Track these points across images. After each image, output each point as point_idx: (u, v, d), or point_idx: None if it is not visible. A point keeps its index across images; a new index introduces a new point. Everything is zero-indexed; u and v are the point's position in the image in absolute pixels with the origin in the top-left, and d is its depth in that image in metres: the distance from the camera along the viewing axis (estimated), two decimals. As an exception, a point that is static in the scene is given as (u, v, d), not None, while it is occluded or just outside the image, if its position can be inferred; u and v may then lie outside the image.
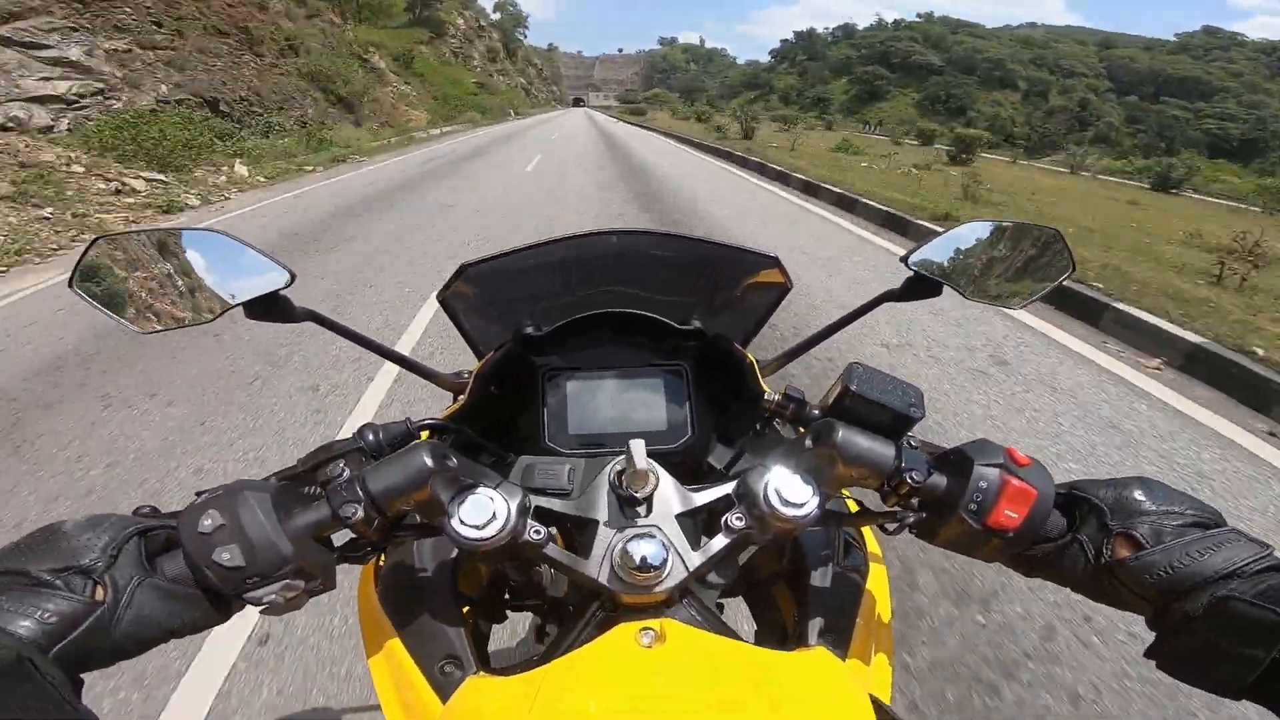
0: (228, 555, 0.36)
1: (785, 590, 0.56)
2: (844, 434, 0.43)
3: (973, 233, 0.67)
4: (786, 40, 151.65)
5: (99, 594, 0.34)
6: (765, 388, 0.65)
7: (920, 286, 0.65)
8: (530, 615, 0.72)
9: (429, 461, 0.41)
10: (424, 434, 0.57)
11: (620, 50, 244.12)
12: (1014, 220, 0.69)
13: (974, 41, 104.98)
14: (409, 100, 27.20)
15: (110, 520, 0.37)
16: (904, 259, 0.65)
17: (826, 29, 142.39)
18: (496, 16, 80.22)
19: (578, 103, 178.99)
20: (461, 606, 0.51)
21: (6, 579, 0.33)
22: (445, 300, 0.66)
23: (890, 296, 0.67)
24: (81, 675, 0.33)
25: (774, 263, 0.65)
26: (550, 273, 0.68)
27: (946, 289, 0.65)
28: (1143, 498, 0.40)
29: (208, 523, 0.37)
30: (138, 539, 0.37)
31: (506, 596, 0.63)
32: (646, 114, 50.80)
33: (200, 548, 0.37)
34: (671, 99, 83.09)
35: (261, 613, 0.39)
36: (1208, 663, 0.35)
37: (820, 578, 0.52)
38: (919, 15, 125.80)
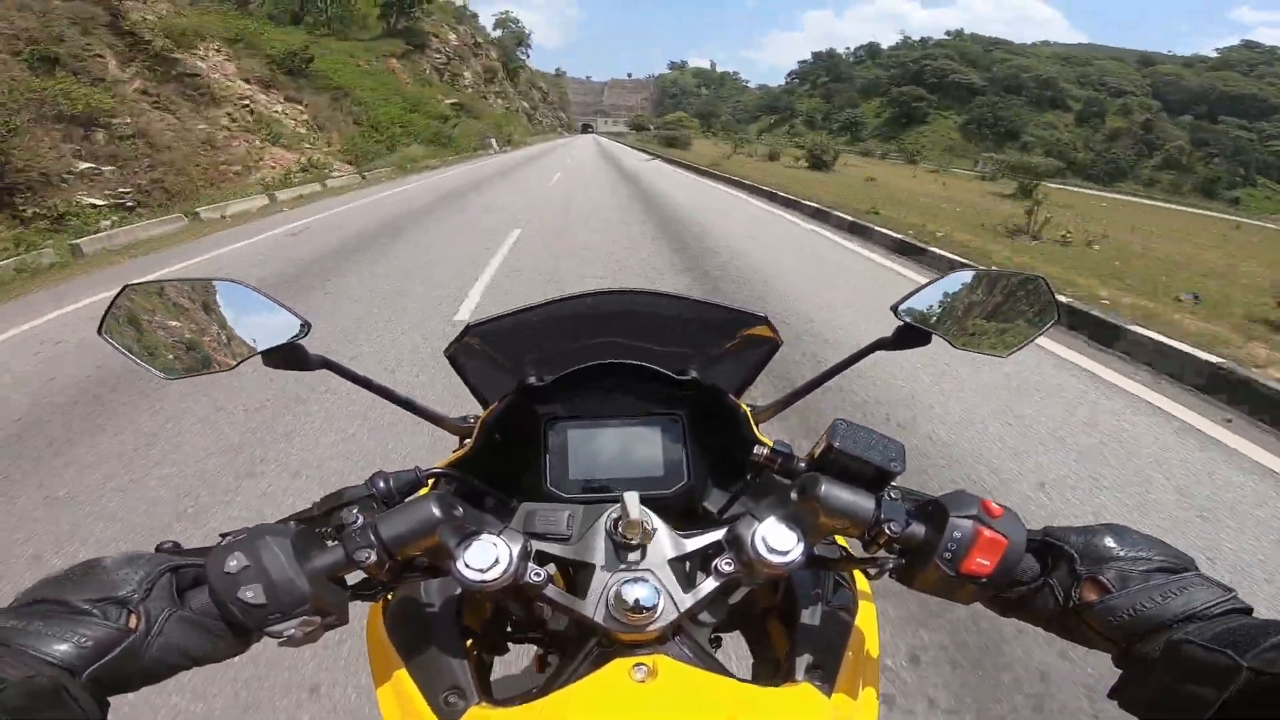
0: (251, 594, 0.40)
1: (778, 626, 0.58)
2: (826, 488, 0.46)
3: (958, 281, 0.70)
4: (805, 62, 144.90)
5: (133, 622, 0.37)
6: (759, 435, 0.69)
7: (911, 335, 0.68)
8: (532, 645, 0.72)
9: (437, 511, 0.44)
10: (431, 481, 0.60)
11: (629, 75, 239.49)
12: (997, 269, 0.66)
13: (1015, 59, 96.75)
14: (282, 132, 16.30)
15: (145, 558, 0.41)
16: (893, 308, 0.68)
17: (848, 49, 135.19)
18: (497, 34, 72.46)
19: (586, 129, 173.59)
20: (465, 639, 0.54)
21: (47, 606, 0.37)
22: (452, 356, 0.70)
23: (882, 345, 0.70)
24: (109, 699, 0.36)
25: (763, 321, 0.68)
26: (552, 328, 0.71)
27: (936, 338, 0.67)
28: (1112, 544, 0.43)
29: (233, 563, 0.40)
30: (169, 575, 0.41)
31: (509, 629, 0.64)
32: (690, 145, 33.79)
33: (227, 586, 0.40)
34: (694, 123, 74.31)
35: (279, 644, 0.42)
36: (1165, 703, 0.36)
37: (810, 616, 0.54)
38: (948, 33, 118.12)
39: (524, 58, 78.30)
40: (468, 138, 30.63)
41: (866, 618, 0.56)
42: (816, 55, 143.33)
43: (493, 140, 29.37)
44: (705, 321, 0.72)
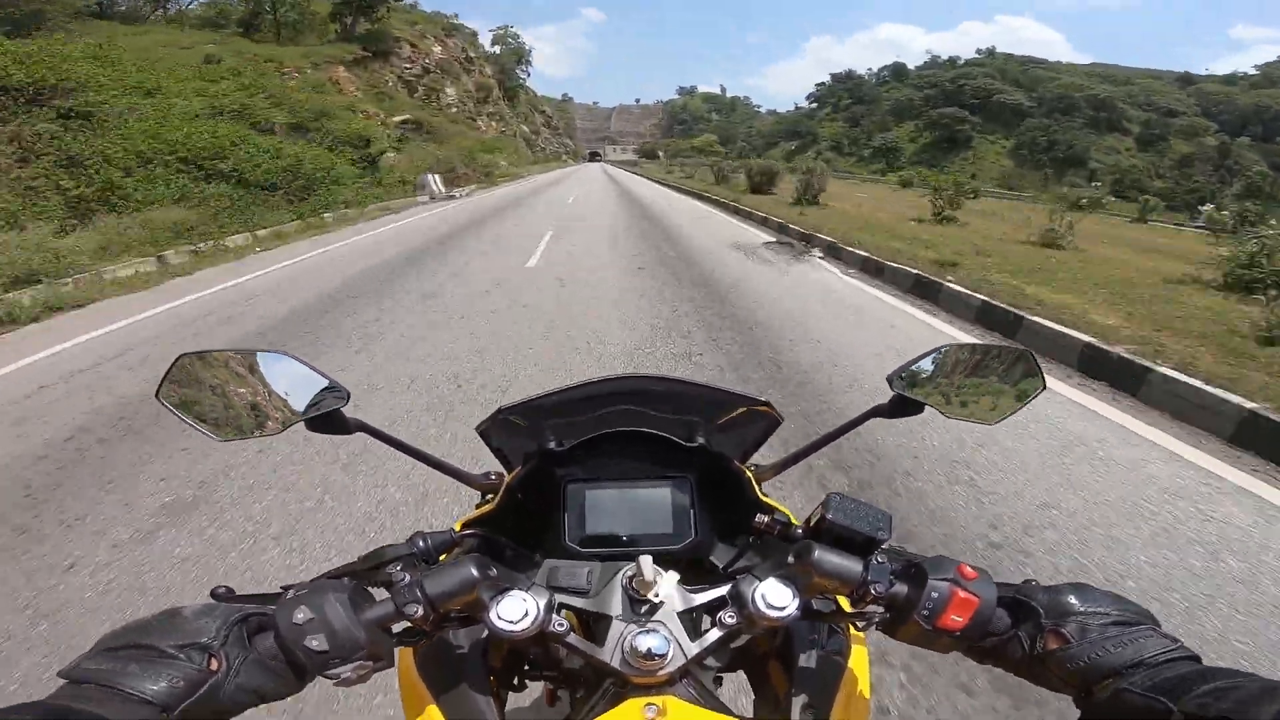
0: (315, 642, 0.44)
1: (778, 665, 0.63)
2: (819, 554, 0.51)
3: (948, 353, 0.75)
4: (823, 84, 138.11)
5: (214, 665, 0.41)
6: (761, 496, 0.75)
7: (905, 404, 0.72)
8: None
9: (475, 573, 0.49)
10: (463, 541, 0.67)
11: (638, 101, 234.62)
12: (985, 342, 0.76)
13: (1060, 78, 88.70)
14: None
15: (220, 608, 0.45)
16: (889, 378, 0.74)
17: (870, 70, 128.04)
18: (495, 50, 64.75)
19: (594, 157, 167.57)
20: (489, 677, 0.59)
21: (139, 651, 0.40)
22: (483, 431, 0.76)
23: (879, 413, 0.74)
24: None
25: (766, 404, 0.75)
26: (573, 402, 0.75)
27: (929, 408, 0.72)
28: (1074, 601, 0.47)
29: (300, 615, 0.45)
30: (241, 623, 0.45)
31: (526, 667, 0.70)
32: (776, 184, 18.79)
33: (294, 634, 0.44)
34: (720, 150, 65.00)
35: (334, 685, 0.46)
36: None
37: (806, 659, 0.59)
38: (979, 51, 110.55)
39: (524, 76, 70.60)
40: (414, 169, 20.92)
41: (859, 660, 0.61)
42: (836, 77, 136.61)
43: (431, 179, 19.57)
44: (712, 401, 0.78)
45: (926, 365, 0.74)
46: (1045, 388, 0.72)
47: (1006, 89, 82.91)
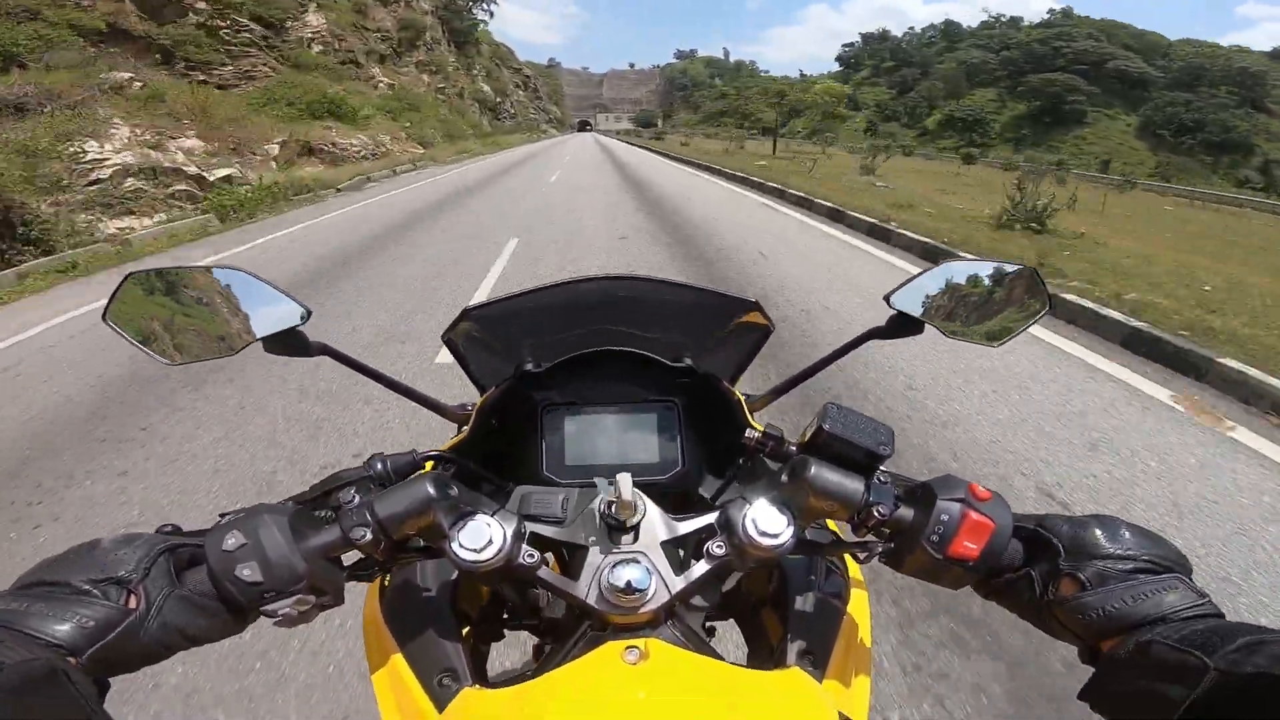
0: (248, 571, 0.40)
1: (772, 614, 0.58)
2: (816, 470, 0.46)
3: (950, 271, 0.69)
4: (851, 45, 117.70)
5: (132, 603, 0.37)
6: (752, 422, 0.69)
7: (904, 323, 0.68)
8: (529, 635, 0.73)
9: (431, 490, 0.44)
10: (429, 465, 0.61)
11: (632, 66, 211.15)
12: (989, 259, 0.71)
13: (1186, 47, 69.73)
14: None
15: (143, 538, 0.41)
16: (886, 297, 0.68)
17: (911, 29, 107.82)
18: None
19: (584, 127, 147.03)
20: (461, 625, 0.55)
21: (48, 589, 0.36)
22: (449, 340, 0.71)
23: (875, 334, 0.70)
24: (109, 681, 0.37)
25: (755, 306, 0.70)
26: (549, 314, 0.72)
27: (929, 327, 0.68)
28: (1100, 539, 0.42)
29: (230, 541, 0.41)
30: (167, 555, 0.41)
31: (505, 616, 0.66)
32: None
33: (224, 564, 0.40)
34: (768, 110, 45.32)
35: (275, 624, 0.42)
36: (1133, 702, 0.36)
37: (802, 602, 0.55)
38: (1051, 12, 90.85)
39: (484, 18, 50.31)
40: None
41: (858, 605, 0.57)
42: (868, 37, 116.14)
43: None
44: (699, 308, 0.73)
45: (925, 283, 0.68)
46: (1050, 307, 0.70)
47: (1123, 55, 63.89)
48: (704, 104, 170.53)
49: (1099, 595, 0.39)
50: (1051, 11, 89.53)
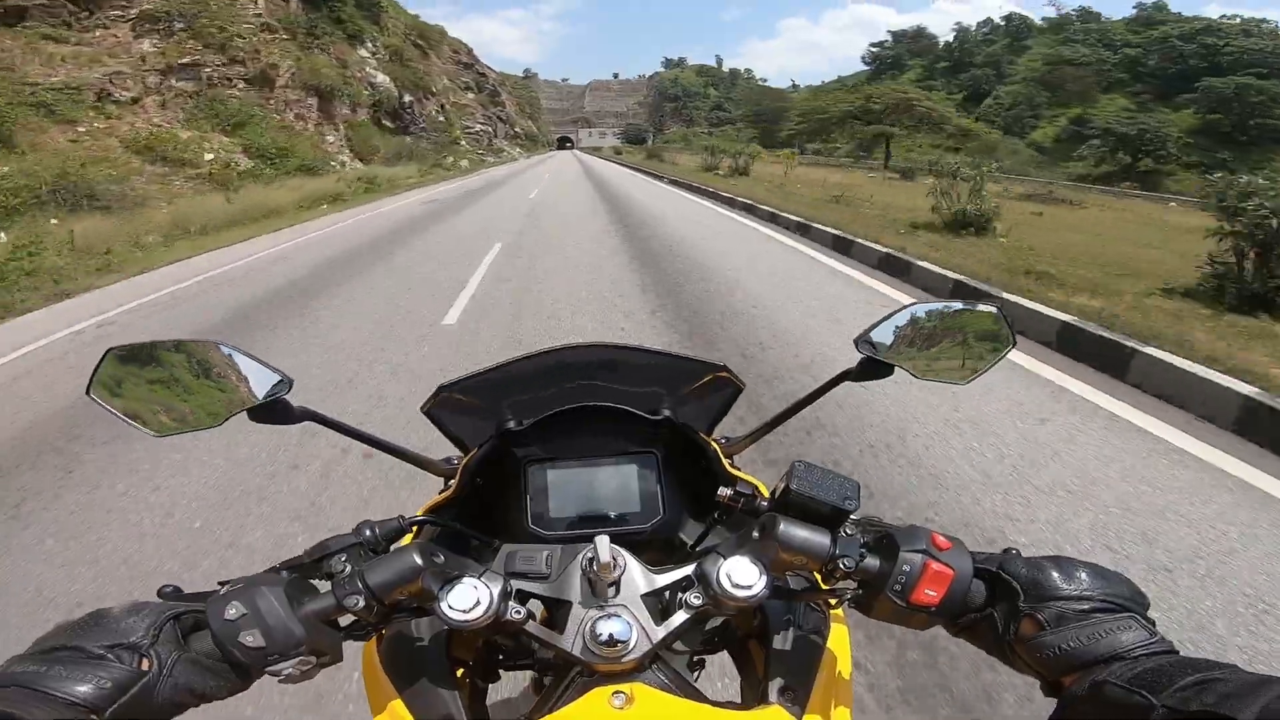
0: (250, 638, 0.43)
1: (759, 646, 0.60)
2: (784, 527, 0.49)
3: (917, 312, 0.71)
4: (880, 45, 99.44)
5: (145, 665, 0.40)
6: (729, 468, 0.73)
7: (874, 367, 0.70)
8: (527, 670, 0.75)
9: (418, 560, 0.47)
10: (416, 529, 0.64)
11: (616, 76, 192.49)
12: (953, 301, 0.74)
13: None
14: None
15: (149, 607, 0.44)
16: (855, 341, 0.70)
17: (957, 26, 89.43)
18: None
19: (564, 144, 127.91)
20: (456, 669, 0.58)
21: (66, 653, 0.39)
22: (429, 412, 0.73)
23: (847, 377, 0.71)
24: None
25: (723, 369, 0.74)
26: (527, 379, 0.74)
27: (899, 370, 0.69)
28: (1058, 580, 0.44)
29: (231, 611, 0.43)
30: (173, 621, 0.43)
31: (501, 657, 0.68)
32: None
33: (227, 631, 0.43)
34: (896, 129, 26.27)
35: (280, 681, 0.45)
36: None
37: (781, 640, 0.57)
38: (1139, 7, 72.97)
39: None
40: None
41: (838, 640, 0.59)
42: (898, 35, 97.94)
43: None
44: (671, 369, 0.76)
45: (893, 326, 0.70)
46: (1014, 345, 0.71)
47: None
48: (697, 115, 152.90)
49: (1056, 635, 0.42)
50: (1140, 5, 71.49)
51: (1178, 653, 0.40)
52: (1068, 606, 0.43)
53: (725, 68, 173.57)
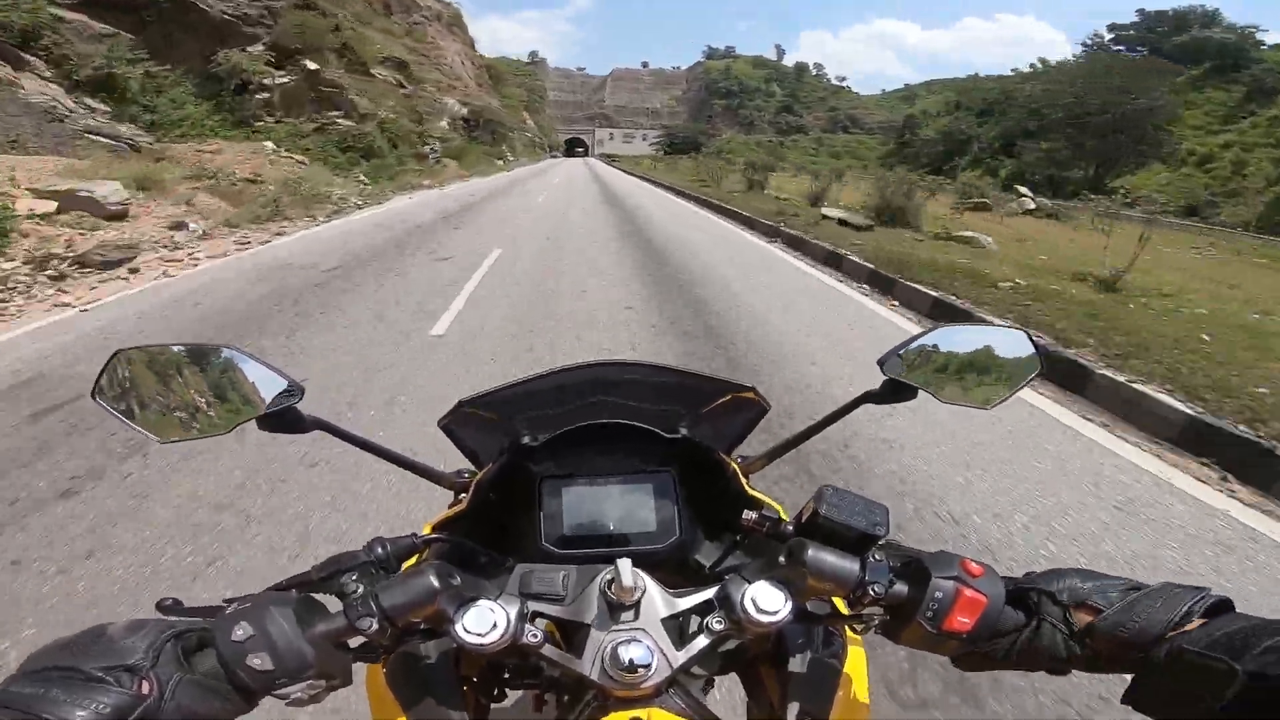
0: (258, 661, 0.41)
1: (770, 670, 0.59)
2: (812, 553, 0.47)
3: (943, 335, 0.70)
4: (1119, 26, 63.20)
5: (145, 689, 0.38)
6: (748, 489, 0.72)
7: (897, 389, 0.68)
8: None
9: (435, 583, 0.45)
10: (428, 546, 0.62)
11: (645, 65, 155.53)
12: (981, 324, 0.80)
13: None
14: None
15: (149, 625, 0.41)
16: (879, 362, 0.69)
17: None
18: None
19: (575, 149, 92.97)
20: (462, 687, 0.57)
21: (61, 675, 0.37)
22: (445, 427, 0.73)
23: (870, 398, 0.70)
24: None
25: (751, 390, 0.72)
26: (544, 394, 0.73)
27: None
28: (1079, 580, 0.45)
29: (239, 633, 0.41)
30: (174, 640, 0.41)
31: (507, 676, 0.66)
32: None
33: (234, 653, 0.41)
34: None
35: (286, 705, 0.43)
36: (1176, 704, 0.38)
37: (799, 663, 0.56)
38: None
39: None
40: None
41: (856, 664, 0.58)
42: (1146, 15, 61.60)
43: None
44: (694, 388, 0.75)
45: (918, 348, 0.69)
46: (1043, 369, 0.70)
47: None
48: (759, 118, 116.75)
49: (1121, 612, 0.41)
50: None
51: (1233, 603, 0.40)
52: (1106, 592, 0.43)
53: (786, 61, 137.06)
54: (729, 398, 0.74)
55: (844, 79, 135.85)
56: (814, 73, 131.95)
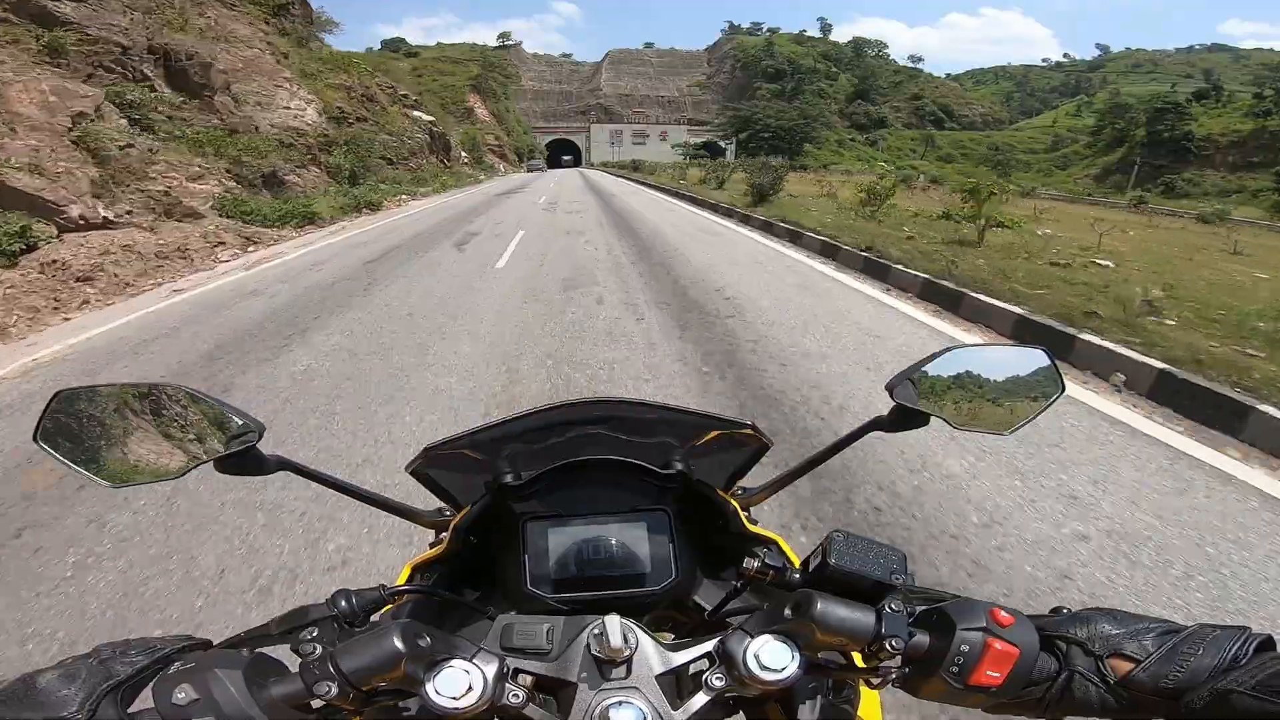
0: None
1: (778, 710, 0.55)
2: (822, 607, 0.43)
3: (956, 356, 0.65)
4: None
5: None
6: (748, 526, 0.69)
7: (908, 415, 0.64)
8: None
9: (399, 645, 0.41)
10: (398, 598, 0.58)
11: (650, 45, 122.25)
12: (996, 342, 0.75)
13: None
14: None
15: (84, 675, 0.38)
16: (889, 387, 0.65)
17: None
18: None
19: (561, 156, 61.70)
20: None
21: None
22: (415, 472, 0.69)
23: (878, 425, 0.67)
24: None
25: (750, 427, 0.69)
26: (526, 433, 0.69)
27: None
28: (1109, 625, 0.42)
29: (181, 696, 0.37)
30: (113, 692, 0.38)
31: None
32: None
33: (176, 717, 0.37)
34: None
35: None
36: None
37: (809, 710, 0.52)
38: None
39: None
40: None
41: (869, 707, 0.55)
42: None
43: None
44: (689, 424, 0.71)
45: (930, 370, 0.64)
46: (1064, 390, 0.66)
47: None
48: (825, 108, 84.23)
49: (1162, 661, 0.39)
50: None
51: (1275, 642, 0.38)
52: (1140, 638, 0.41)
53: (834, 35, 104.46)
54: (727, 437, 0.70)
55: (919, 59, 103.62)
56: (876, 51, 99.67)
